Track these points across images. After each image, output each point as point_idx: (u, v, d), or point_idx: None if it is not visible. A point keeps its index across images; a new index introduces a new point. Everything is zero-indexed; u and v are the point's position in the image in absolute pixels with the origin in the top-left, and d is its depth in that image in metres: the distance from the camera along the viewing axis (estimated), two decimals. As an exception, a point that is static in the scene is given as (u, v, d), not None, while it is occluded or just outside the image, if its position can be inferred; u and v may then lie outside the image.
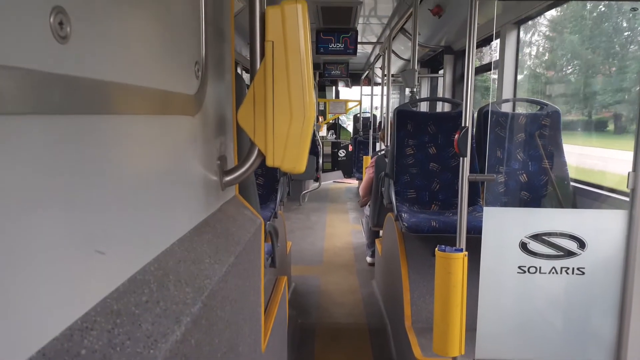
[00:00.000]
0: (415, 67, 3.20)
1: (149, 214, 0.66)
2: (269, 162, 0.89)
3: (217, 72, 1.02)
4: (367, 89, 8.13)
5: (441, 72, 5.00)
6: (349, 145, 8.79)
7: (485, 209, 1.68)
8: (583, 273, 1.67)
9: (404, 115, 2.72)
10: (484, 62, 4.08)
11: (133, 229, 0.61)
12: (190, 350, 0.63)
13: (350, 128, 10.29)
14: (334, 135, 9.87)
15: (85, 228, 0.50)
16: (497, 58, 3.24)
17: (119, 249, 0.57)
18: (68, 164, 0.47)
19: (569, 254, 1.66)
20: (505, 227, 1.68)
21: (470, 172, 1.62)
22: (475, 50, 1.59)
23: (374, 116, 7.06)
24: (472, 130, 1.93)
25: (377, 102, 6.58)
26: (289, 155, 0.88)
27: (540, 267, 1.68)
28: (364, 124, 8.23)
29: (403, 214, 2.36)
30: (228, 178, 1.03)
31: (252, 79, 0.89)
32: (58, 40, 0.44)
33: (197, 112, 0.87)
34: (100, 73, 0.52)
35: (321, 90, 9.60)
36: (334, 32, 4.62)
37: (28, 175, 0.41)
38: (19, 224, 0.40)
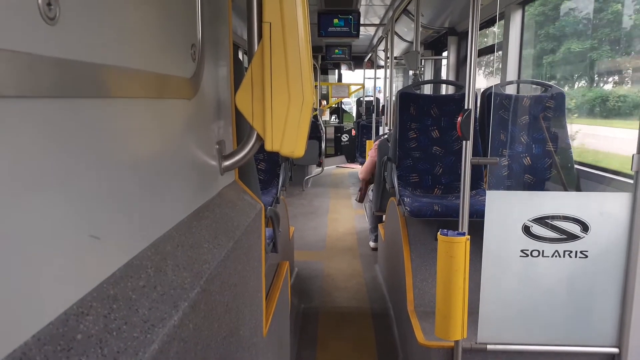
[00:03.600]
0: (418, 49, 3.15)
1: (146, 198, 0.65)
2: (268, 147, 0.88)
3: (214, 54, 1.00)
4: (370, 72, 8.04)
5: (445, 54, 4.94)
6: (352, 130, 8.72)
7: (488, 192, 1.67)
8: (586, 256, 1.66)
9: (407, 98, 2.68)
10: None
11: (130, 214, 0.61)
12: (189, 334, 0.62)
13: (353, 112, 10.21)
14: (337, 120, 9.80)
15: (81, 213, 0.50)
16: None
17: (115, 234, 0.57)
18: (61, 149, 0.46)
19: (573, 237, 1.65)
20: (508, 210, 1.66)
21: (473, 155, 1.61)
22: (478, 31, 1.56)
23: (377, 100, 7.00)
24: (475, 112, 1.91)
25: (380, 85, 6.52)
26: (288, 139, 0.87)
27: (543, 251, 1.67)
28: (367, 107, 8.15)
29: (405, 199, 2.35)
30: (227, 162, 1.02)
31: (249, 61, 0.87)
32: (47, 22, 0.43)
33: (194, 96, 0.86)
34: (92, 55, 0.51)
35: (324, 73, 9.49)
36: (335, 14, 4.53)
37: (21, 160, 0.41)
38: (12, 209, 0.40)
